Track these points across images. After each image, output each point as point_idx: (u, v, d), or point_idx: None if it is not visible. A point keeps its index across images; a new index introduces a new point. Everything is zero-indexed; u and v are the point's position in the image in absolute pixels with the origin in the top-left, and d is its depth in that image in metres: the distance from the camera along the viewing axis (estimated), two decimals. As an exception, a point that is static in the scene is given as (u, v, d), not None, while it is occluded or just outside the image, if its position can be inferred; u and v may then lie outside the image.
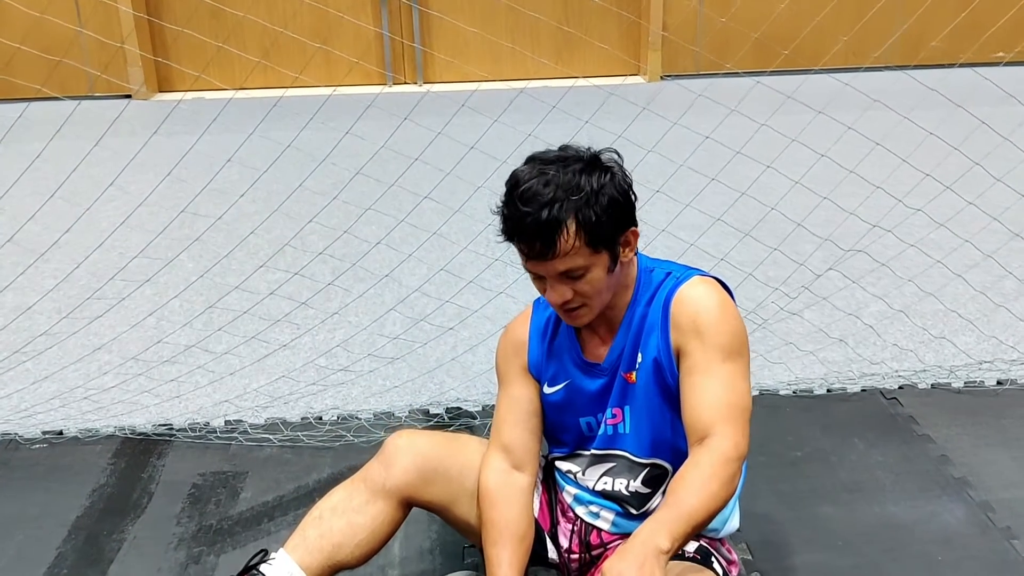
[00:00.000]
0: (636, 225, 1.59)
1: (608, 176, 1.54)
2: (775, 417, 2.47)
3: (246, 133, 2.94)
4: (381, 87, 6.43)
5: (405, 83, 6.55)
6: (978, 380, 2.65)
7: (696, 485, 1.47)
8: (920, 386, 2.62)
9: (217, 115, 2.86)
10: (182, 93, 6.29)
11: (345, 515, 1.71)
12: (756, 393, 2.49)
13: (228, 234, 3.50)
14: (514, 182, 1.55)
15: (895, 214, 3.09)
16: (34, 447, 2.41)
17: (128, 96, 6.16)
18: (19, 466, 2.34)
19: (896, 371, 2.69)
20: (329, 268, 3.21)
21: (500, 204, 1.56)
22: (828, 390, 2.61)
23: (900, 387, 2.62)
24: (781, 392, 2.60)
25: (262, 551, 1.72)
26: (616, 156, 1.60)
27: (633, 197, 1.59)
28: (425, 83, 6.56)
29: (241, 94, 5.92)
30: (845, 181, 3.07)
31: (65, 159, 2.94)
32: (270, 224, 3.31)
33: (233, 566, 1.84)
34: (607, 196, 1.53)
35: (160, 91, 6.47)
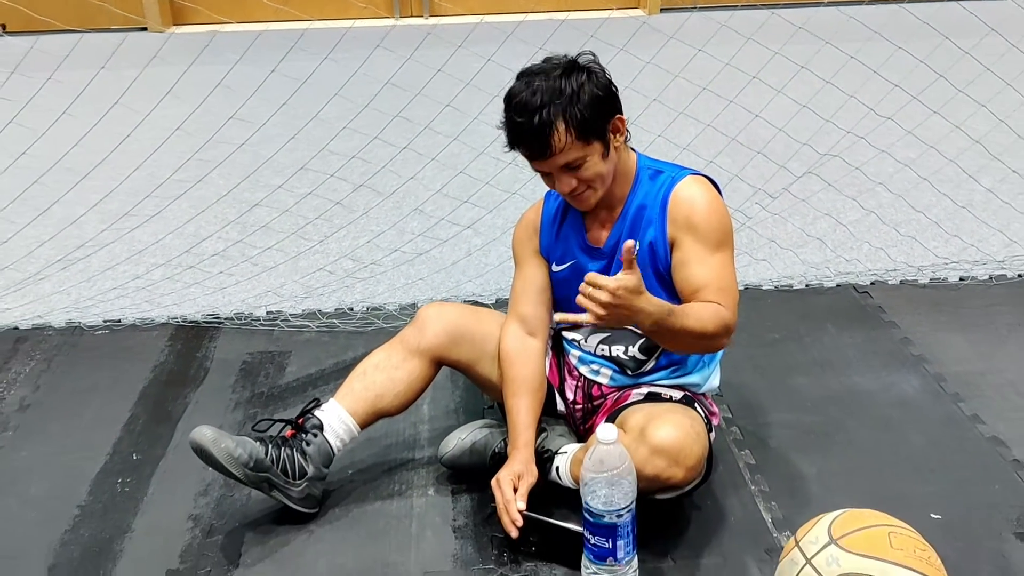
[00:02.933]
0: (621, 113, 1.85)
1: (586, 75, 1.77)
2: (757, 307, 2.76)
3: (259, 65, 3.18)
4: (390, 21, 6.62)
5: (412, 16, 6.74)
6: (942, 277, 2.94)
7: (699, 310, 1.75)
8: (890, 282, 2.92)
9: (246, 50, 3.08)
10: (197, 26, 6.49)
11: (385, 371, 2.01)
12: (742, 288, 2.78)
13: (254, 155, 3.76)
14: (508, 97, 1.79)
15: (871, 125, 3.38)
16: (97, 333, 2.71)
17: (144, 28, 6.36)
18: (86, 348, 2.64)
19: (869, 270, 2.98)
20: (349, 185, 3.48)
21: (501, 120, 1.80)
22: (807, 285, 2.90)
23: (872, 283, 2.91)
24: (764, 287, 2.90)
25: (314, 399, 2.02)
26: (592, 56, 1.83)
27: (613, 88, 1.81)
28: (432, 16, 6.74)
29: (253, 27, 6.12)
30: (833, 101, 3.36)
31: (91, 89, 3.17)
32: (293, 146, 3.57)
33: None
34: (588, 93, 1.75)
35: (175, 24, 6.66)
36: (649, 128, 3.31)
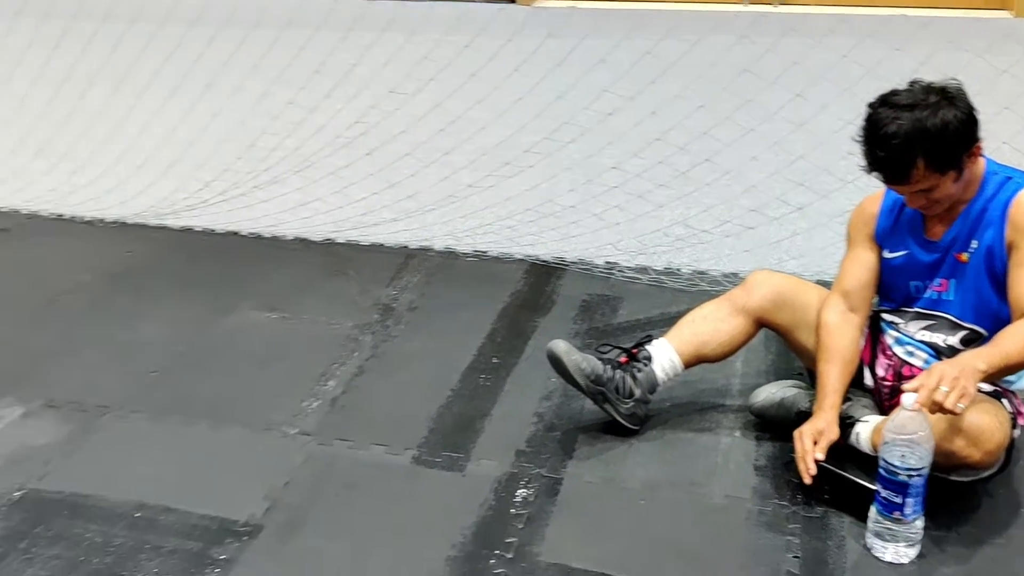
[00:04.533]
0: (979, 142, 1.95)
1: (952, 110, 1.87)
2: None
3: (609, 40, 3.53)
4: (739, 6, 6.79)
5: (762, 3, 6.85)
6: None
7: (1019, 336, 1.87)
8: None
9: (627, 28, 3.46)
10: (556, 2, 7.06)
11: (712, 322, 2.32)
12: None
13: (604, 126, 4.17)
14: (869, 124, 1.93)
15: None
16: (467, 259, 3.26)
17: (512, 1, 7.03)
18: (458, 270, 3.20)
19: None
20: (687, 161, 3.79)
21: (859, 138, 1.95)
22: None
23: None
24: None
25: (647, 335, 2.37)
26: (958, 85, 1.92)
27: (975, 115, 1.91)
28: (781, 3, 6.82)
29: (608, 4, 6.57)
30: None
31: (456, 59, 3.70)
32: (638, 117, 3.93)
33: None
34: (952, 129, 1.86)
35: (538, -1, 7.27)
36: (997, 134, 3.27)
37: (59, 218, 3.66)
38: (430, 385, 2.56)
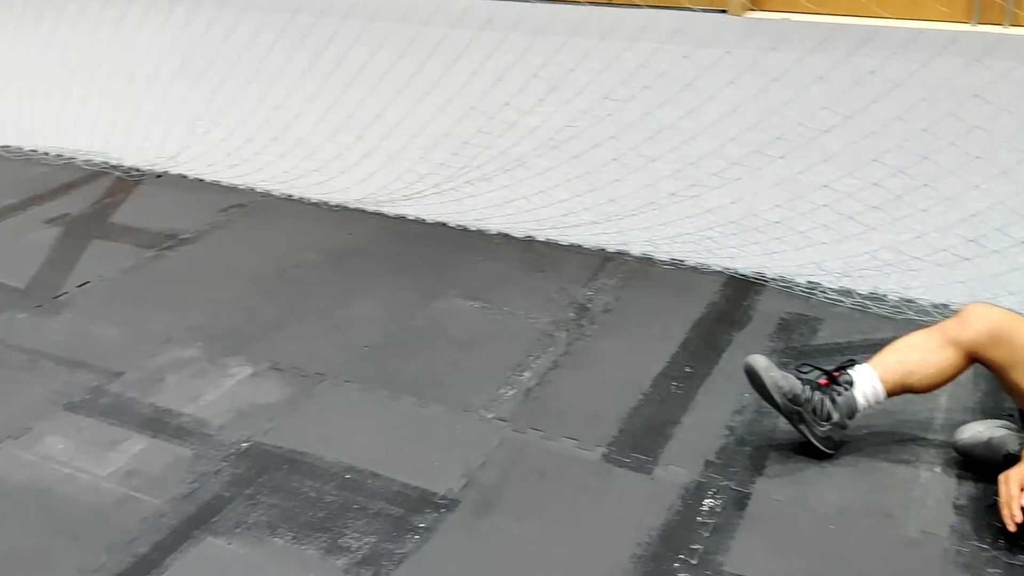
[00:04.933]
0: None
1: None
2: None
3: (825, 55, 3.45)
4: (965, 25, 6.44)
5: (991, 24, 6.47)
6: None
7: None
8: None
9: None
10: (772, 12, 6.94)
11: (921, 352, 2.25)
12: None
13: (811, 142, 4.09)
14: None
15: None
16: (664, 267, 3.30)
17: (723, 11, 6.98)
18: (654, 277, 3.24)
19: None
20: (901, 184, 3.65)
21: None
22: None
23: None
24: None
25: (850, 359, 2.34)
26: None
27: None
28: (1012, 25, 6.41)
29: (825, 19, 6.38)
30: None
31: (672, 68, 3.70)
32: (849, 136, 3.82)
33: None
34: None
35: (751, 8, 7.17)
36: None
37: (288, 198, 3.99)
38: (621, 386, 2.62)
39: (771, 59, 3.74)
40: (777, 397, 2.25)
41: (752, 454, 2.33)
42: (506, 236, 3.59)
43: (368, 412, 2.58)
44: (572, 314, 3.01)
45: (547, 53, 4.35)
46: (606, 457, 2.35)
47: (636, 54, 4.46)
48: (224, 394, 2.66)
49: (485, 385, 2.66)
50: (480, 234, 3.62)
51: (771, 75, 3.75)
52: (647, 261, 3.34)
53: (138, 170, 4.32)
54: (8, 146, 4.65)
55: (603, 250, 3.43)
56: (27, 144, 4.64)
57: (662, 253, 3.37)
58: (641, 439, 2.40)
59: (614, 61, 4.38)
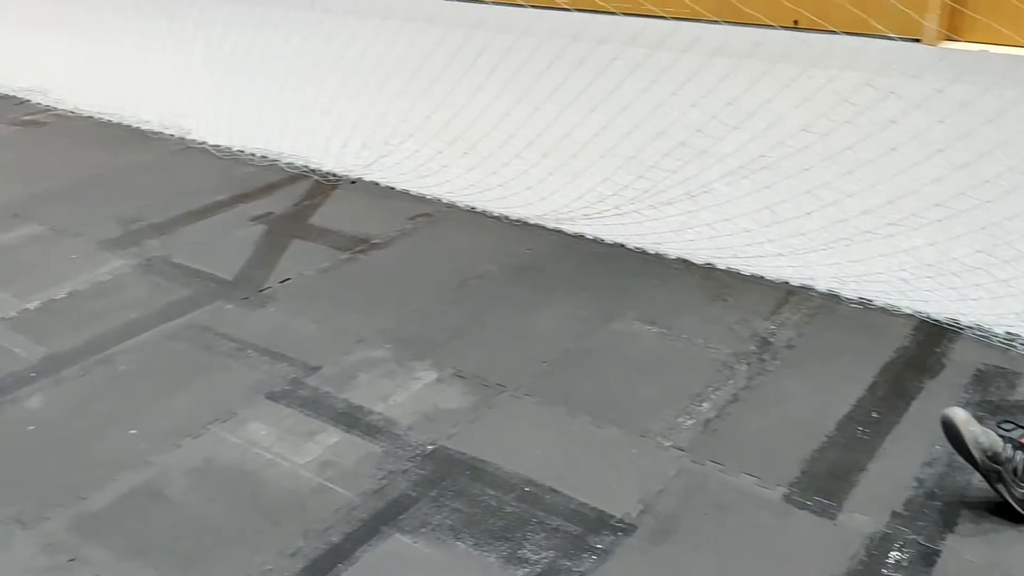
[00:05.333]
0: None
1: None
2: None
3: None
4: None
5: None
6: None
7: None
8: None
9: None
10: (969, 43, 6.61)
11: None
12: None
13: (1020, 186, 3.86)
14: None
15: None
16: (851, 305, 3.21)
17: (918, 40, 6.69)
18: (841, 315, 3.16)
19: None
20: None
21: None
22: None
23: None
24: None
25: (1060, 422, 2.22)
26: None
27: None
28: None
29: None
30: None
31: (878, 104, 3.58)
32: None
33: None
34: None
35: (947, 39, 6.85)
36: None
37: (472, 210, 4.12)
38: (804, 426, 2.58)
39: (980, 95, 3.56)
40: (976, 453, 2.16)
41: (943, 509, 2.24)
42: (685, 262, 3.59)
43: (546, 427, 2.65)
44: (753, 347, 2.98)
45: (746, 83, 4.32)
46: (787, 497, 2.32)
47: (842, 84, 4.36)
48: (411, 396, 2.79)
49: (662, 412, 2.67)
50: (659, 258, 3.63)
51: (984, 114, 3.58)
52: (833, 298, 3.26)
53: (335, 175, 4.57)
54: (219, 145, 5.02)
55: (787, 283, 3.38)
56: (236, 144, 5.00)
57: (849, 291, 3.28)
58: (825, 483, 2.36)
59: (815, 93, 4.31)
